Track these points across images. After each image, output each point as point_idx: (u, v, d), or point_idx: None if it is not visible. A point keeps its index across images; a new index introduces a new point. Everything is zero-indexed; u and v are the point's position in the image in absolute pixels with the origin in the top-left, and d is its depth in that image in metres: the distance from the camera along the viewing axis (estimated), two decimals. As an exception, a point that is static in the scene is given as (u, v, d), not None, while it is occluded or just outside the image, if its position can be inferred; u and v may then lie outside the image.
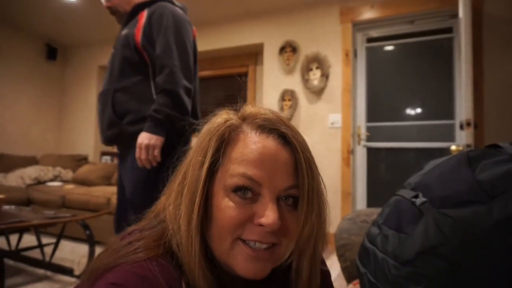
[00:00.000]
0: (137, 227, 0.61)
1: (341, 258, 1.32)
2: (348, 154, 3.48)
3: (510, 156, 0.78)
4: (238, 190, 0.53)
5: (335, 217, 1.96)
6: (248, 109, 0.60)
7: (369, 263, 0.84)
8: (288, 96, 3.85)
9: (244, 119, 0.59)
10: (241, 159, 0.53)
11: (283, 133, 0.56)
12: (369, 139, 3.59)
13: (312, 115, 3.72)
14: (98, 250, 2.60)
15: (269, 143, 0.55)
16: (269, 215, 0.52)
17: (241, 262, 0.53)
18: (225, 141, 0.56)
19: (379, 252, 0.80)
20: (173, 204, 0.57)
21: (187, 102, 1.57)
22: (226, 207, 0.53)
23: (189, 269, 0.52)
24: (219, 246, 0.55)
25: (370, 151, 3.57)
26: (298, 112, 3.79)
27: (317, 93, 3.71)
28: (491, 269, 0.66)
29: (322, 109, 3.68)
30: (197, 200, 0.53)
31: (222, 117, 0.59)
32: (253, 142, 0.55)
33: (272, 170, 0.54)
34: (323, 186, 0.60)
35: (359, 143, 3.61)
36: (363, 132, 3.60)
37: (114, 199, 3.44)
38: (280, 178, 0.54)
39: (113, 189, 3.78)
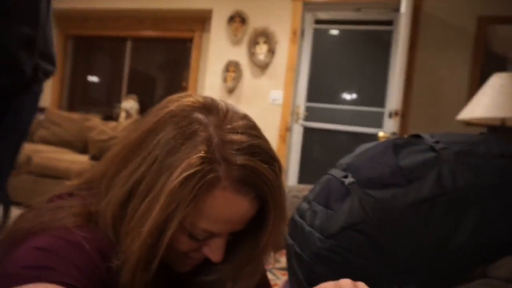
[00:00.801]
0: (68, 190, 0.57)
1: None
2: (286, 132, 3.59)
3: (429, 147, 0.87)
4: (194, 234, 0.52)
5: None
6: (231, 124, 0.51)
7: (296, 236, 0.89)
8: (232, 67, 3.81)
9: (223, 150, 0.49)
10: (210, 215, 0.50)
11: (262, 192, 0.51)
12: (306, 118, 3.72)
13: (254, 90, 3.74)
14: (17, 211, 2.41)
15: (244, 205, 0.50)
16: (217, 254, 0.53)
17: (180, 266, 0.56)
18: (199, 188, 0.47)
19: (307, 225, 0.85)
20: (120, 195, 0.50)
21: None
22: (178, 240, 0.51)
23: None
24: (163, 259, 0.52)
25: (306, 131, 3.72)
26: (241, 84, 3.78)
27: (262, 68, 3.73)
28: (403, 244, 0.75)
29: (265, 84, 3.72)
30: (159, 246, 0.48)
31: (198, 146, 0.48)
32: (228, 203, 0.50)
33: (236, 224, 0.53)
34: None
35: (297, 122, 3.73)
36: (301, 112, 3.72)
37: (36, 158, 3.18)
38: (240, 226, 0.54)
39: (35, 147, 3.49)
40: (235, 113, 0.54)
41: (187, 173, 0.46)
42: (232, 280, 0.57)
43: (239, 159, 0.48)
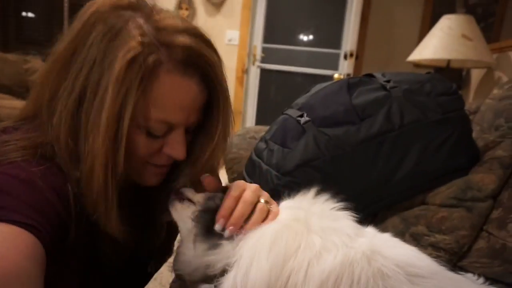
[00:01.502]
0: (11, 123, 0.53)
1: (229, 171, 1.41)
2: (242, 74, 3.53)
3: (380, 85, 0.90)
4: (151, 130, 0.52)
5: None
6: (159, 15, 0.51)
7: (254, 174, 0.91)
8: (185, 4, 3.57)
9: (159, 35, 0.49)
10: (161, 102, 0.49)
11: (206, 74, 0.53)
12: (263, 60, 3.66)
13: (209, 29, 3.54)
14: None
15: (192, 87, 0.51)
16: (178, 149, 0.54)
17: (147, 177, 0.56)
18: (144, 71, 0.47)
19: (264, 164, 0.87)
20: (66, 113, 0.48)
21: None
22: (138, 142, 0.51)
23: (92, 203, 0.49)
24: (126, 169, 0.52)
25: (263, 72, 3.68)
26: (195, 23, 3.59)
27: (217, 5, 3.53)
28: (355, 178, 0.80)
29: (220, 23, 3.55)
30: (119, 139, 0.47)
31: (132, 35, 0.47)
32: (176, 87, 0.50)
33: (189, 111, 0.53)
34: (232, 119, 0.60)
35: (253, 63, 3.66)
36: (258, 53, 3.65)
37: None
38: (193, 116, 0.54)
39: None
40: (162, 8, 0.53)
41: (129, 56, 0.45)
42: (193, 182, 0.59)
43: (177, 40, 0.49)
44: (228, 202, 0.51)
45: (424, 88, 0.86)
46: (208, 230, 0.51)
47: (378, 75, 0.94)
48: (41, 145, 0.49)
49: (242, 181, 0.56)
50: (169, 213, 0.56)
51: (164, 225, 0.63)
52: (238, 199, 0.52)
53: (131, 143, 0.50)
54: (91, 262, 0.54)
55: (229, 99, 0.57)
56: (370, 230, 0.54)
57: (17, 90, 3.49)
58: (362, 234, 0.49)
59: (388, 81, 0.88)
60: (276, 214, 0.53)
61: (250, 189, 0.54)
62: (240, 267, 0.45)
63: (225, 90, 0.56)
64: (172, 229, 0.66)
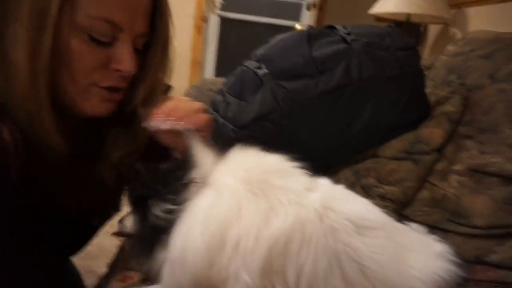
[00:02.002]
0: None
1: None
2: (201, 22, 3.35)
3: (341, 38, 0.88)
4: (94, 33, 0.46)
5: (183, 85, 1.95)
6: None
7: (210, 127, 0.89)
8: None
9: None
10: None
11: None
12: (223, 8, 3.49)
13: (165, -30, 3.30)
14: None
15: None
16: (127, 62, 0.49)
17: (95, 103, 0.51)
18: None
19: (220, 117, 0.85)
20: None
21: None
22: (79, 50, 0.46)
23: (23, 114, 0.45)
24: (69, 88, 0.48)
25: (223, 21, 3.52)
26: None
27: None
28: (311, 132, 0.80)
29: (177, -35, 3.29)
30: (47, 38, 0.43)
31: None
32: None
33: (133, 13, 0.48)
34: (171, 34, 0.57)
35: (213, 12, 3.48)
36: (218, 0, 3.46)
37: None
38: (139, 22, 0.50)
39: None
40: None
41: None
42: (141, 105, 0.56)
43: None
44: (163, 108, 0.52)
45: (383, 42, 0.86)
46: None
47: (339, 27, 0.91)
48: None
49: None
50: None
51: (114, 169, 0.59)
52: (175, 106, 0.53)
53: (72, 53, 0.46)
54: (33, 211, 0.51)
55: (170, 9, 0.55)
56: (324, 183, 0.54)
57: None
58: (315, 188, 0.48)
59: (349, 34, 0.86)
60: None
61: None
62: (174, 251, 0.44)
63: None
64: (120, 184, 0.63)
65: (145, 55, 0.54)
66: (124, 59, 0.49)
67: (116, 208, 0.65)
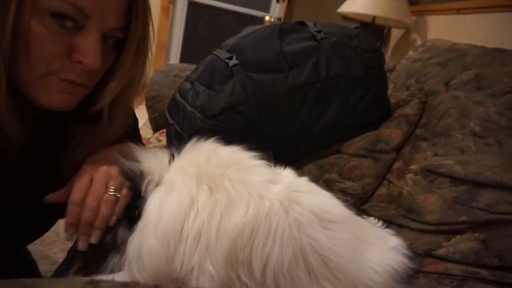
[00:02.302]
0: None
1: (150, 109, 1.33)
2: (169, 4, 3.25)
3: (311, 35, 0.90)
4: (57, 16, 0.42)
5: (147, 68, 1.86)
6: None
7: (177, 115, 0.88)
8: None
9: None
10: None
11: None
12: (192, -9, 3.40)
13: None
14: None
15: None
16: (91, 54, 0.45)
17: (52, 94, 0.47)
18: None
19: (188, 105, 0.84)
20: None
21: None
22: (40, 34, 0.42)
23: None
24: (27, 74, 0.44)
25: (191, 5, 3.43)
26: None
27: None
28: (278, 125, 0.81)
29: None
30: (8, 18, 0.39)
31: None
32: None
33: (104, 2, 0.45)
34: (152, 34, 0.54)
35: (181, -6, 3.38)
36: (187, -17, 3.36)
37: None
38: (110, 15, 0.46)
39: None
40: None
41: None
42: (110, 104, 0.53)
43: None
44: (72, 210, 0.48)
45: (351, 42, 0.88)
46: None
47: (310, 24, 0.93)
48: None
49: (86, 173, 0.51)
50: None
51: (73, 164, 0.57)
52: (78, 203, 0.48)
53: (32, 37, 0.42)
54: None
55: (149, 4, 0.52)
56: (287, 174, 0.55)
57: None
58: (278, 181, 0.49)
59: (319, 32, 0.88)
60: (126, 198, 0.50)
61: (96, 183, 0.50)
62: (130, 252, 0.43)
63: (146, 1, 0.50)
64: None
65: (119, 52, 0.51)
66: (88, 51, 0.45)
67: None
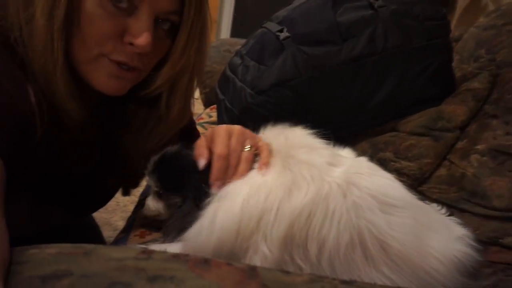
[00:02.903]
0: None
1: (201, 85, 1.35)
2: (219, -22, 3.22)
3: (368, 3, 0.83)
4: None
5: (205, 58, 1.89)
6: None
7: (227, 91, 0.88)
8: None
9: None
10: None
11: None
12: (242, -36, 3.33)
13: None
14: None
15: None
16: (143, 35, 0.45)
17: (103, 77, 0.48)
18: None
19: (238, 81, 0.83)
20: None
21: None
22: (95, 14, 0.43)
23: (41, 72, 0.43)
24: (81, 54, 0.46)
25: (242, -22, 3.38)
26: None
27: None
28: (330, 101, 0.78)
29: None
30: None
31: None
32: None
33: None
34: (209, 17, 0.53)
35: (231, -33, 3.33)
36: (237, -46, 3.30)
37: None
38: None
39: None
40: None
41: None
42: (168, 90, 0.54)
43: None
44: (219, 164, 0.48)
45: (412, 10, 0.81)
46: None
47: (367, -10, 0.87)
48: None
49: (223, 128, 0.51)
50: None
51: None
52: (226, 156, 0.48)
53: (86, 16, 0.43)
54: (51, 170, 0.51)
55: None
56: (347, 155, 0.53)
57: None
58: (338, 163, 0.47)
59: (376, -1, 0.82)
60: (266, 150, 0.50)
61: (234, 139, 0.49)
62: (207, 214, 0.44)
63: None
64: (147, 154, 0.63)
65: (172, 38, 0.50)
66: (140, 32, 0.45)
67: (135, 175, 0.65)
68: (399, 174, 0.74)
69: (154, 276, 0.29)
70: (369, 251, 0.40)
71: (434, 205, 0.52)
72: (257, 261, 0.41)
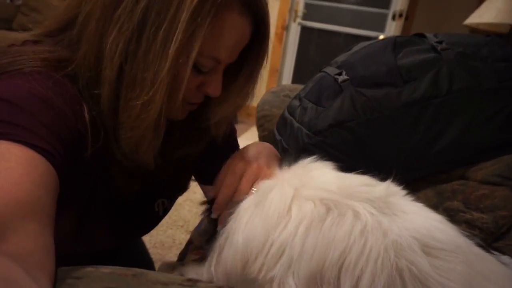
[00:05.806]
0: (31, 37, 0.50)
1: (260, 128, 1.38)
2: (282, 30, 3.40)
3: (431, 46, 0.82)
4: (199, 65, 0.50)
5: (259, 91, 1.96)
6: None
7: (285, 132, 0.89)
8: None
9: None
10: (216, 40, 0.48)
11: (262, 17, 0.52)
12: (305, 17, 3.50)
13: (251, -19, 3.42)
14: None
15: (247, 28, 0.51)
16: (216, 87, 0.53)
17: (179, 114, 0.55)
18: (217, 5, 0.45)
19: (296, 122, 0.84)
20: (117, 35, 0.44)
21: None
22: (184, 77, 0.48)
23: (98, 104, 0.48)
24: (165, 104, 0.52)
25: (304, 30, 3.53)
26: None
27: (261, -45, 3.35)
28: (389, 144, 0.75)
29: (263, -25, 3.39)
30: (184, 73, 0.46)
31: None
32: (235, 25, 0.49)
33: (236, 50, 0.52)
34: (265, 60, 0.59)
35: (294, 20, 3.51)
36: (300, 9, 3.48)
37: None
38: (236, 55, 0.53)
39: (16, 35, 3.27)
40: None
41: None
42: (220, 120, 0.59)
43: None
44: (218, 206, 0.53)
45: (480, 52, 0.78)
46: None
47: (429, 35, 0.85)
48: (65, 60, 0.47)
49: (240, 164, 0.55)
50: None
51: (173, 161, 0.62)
52: (234, 188, 0.53)
53: (177, 79, 0.48)
54: (98, 192, 0.54)
55: (269, 42, 0.56)
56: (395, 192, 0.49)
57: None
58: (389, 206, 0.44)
59: (440, 42, 0.80)
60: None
61: (244, 180, 0.53)
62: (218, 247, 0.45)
63: (268, 35, 0.55)
64: (186, 165, 0.66)
65: (229, 76, 0.57)
66: (215, 85, 0.53)
67: (181, 190, 0.68)
68: (471, 226, 0.67)
69: (196, 302, 0.29)
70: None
71: (505, 257, 0.46)
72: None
